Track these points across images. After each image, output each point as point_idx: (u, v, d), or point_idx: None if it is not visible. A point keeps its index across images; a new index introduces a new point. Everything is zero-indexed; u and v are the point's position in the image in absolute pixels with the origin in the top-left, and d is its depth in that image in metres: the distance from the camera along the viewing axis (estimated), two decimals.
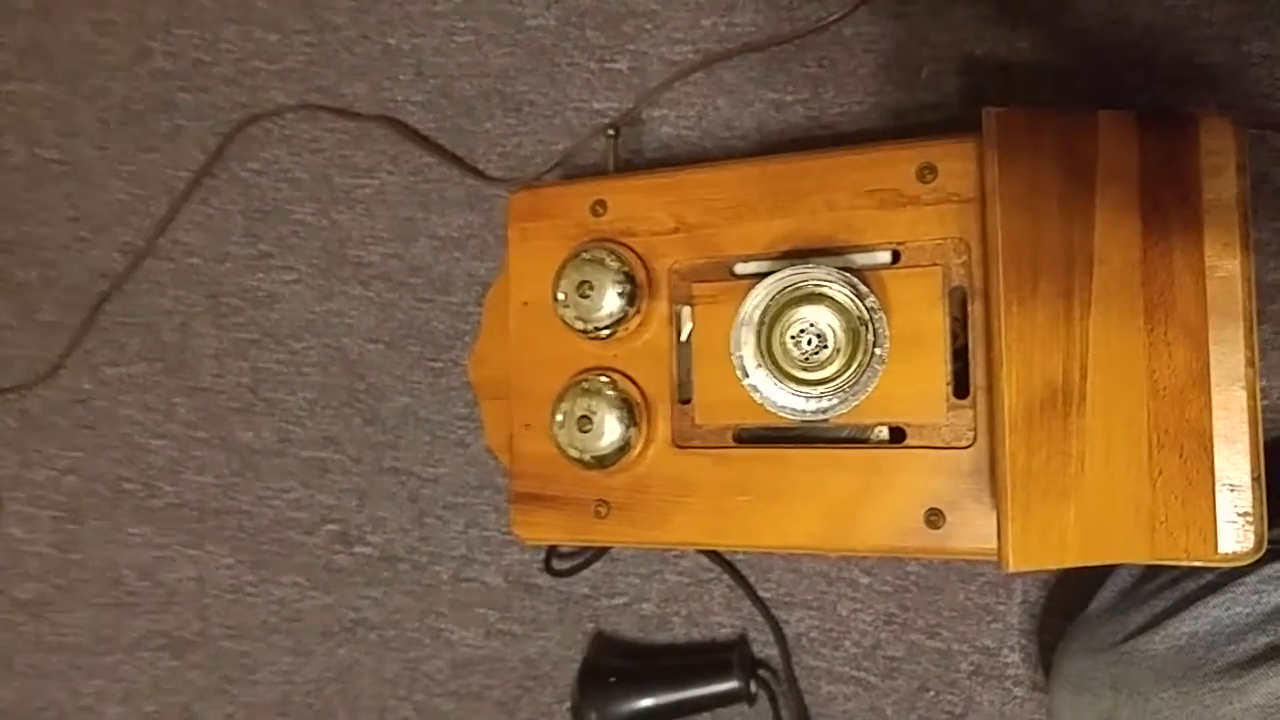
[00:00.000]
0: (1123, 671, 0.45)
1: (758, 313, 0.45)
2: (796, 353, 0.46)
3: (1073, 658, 0.49)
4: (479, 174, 0.66)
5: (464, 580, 0.68)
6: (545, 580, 0.65)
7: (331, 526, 0.71)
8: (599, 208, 0.54)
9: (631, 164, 0.62)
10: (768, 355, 0.45)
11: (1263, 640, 0.42)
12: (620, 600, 0.64)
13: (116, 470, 0.77)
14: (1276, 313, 0.52)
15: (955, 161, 0.47)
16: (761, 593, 0.61)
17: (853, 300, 0.44)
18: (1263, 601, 0.43)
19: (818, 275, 0.44)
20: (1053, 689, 0.50)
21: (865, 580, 0.59)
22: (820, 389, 0.45)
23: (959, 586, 0.58)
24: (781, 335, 0.46)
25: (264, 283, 0.72)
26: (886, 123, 0.57)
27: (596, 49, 0.63)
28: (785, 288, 0.45)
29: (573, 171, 0.64)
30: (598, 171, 0.59)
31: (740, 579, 0.61)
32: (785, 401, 0.46)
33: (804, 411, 0.46)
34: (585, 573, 0.64)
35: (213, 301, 0.74)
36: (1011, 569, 0.41)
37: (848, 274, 0.45)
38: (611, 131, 0.57)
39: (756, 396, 0.47)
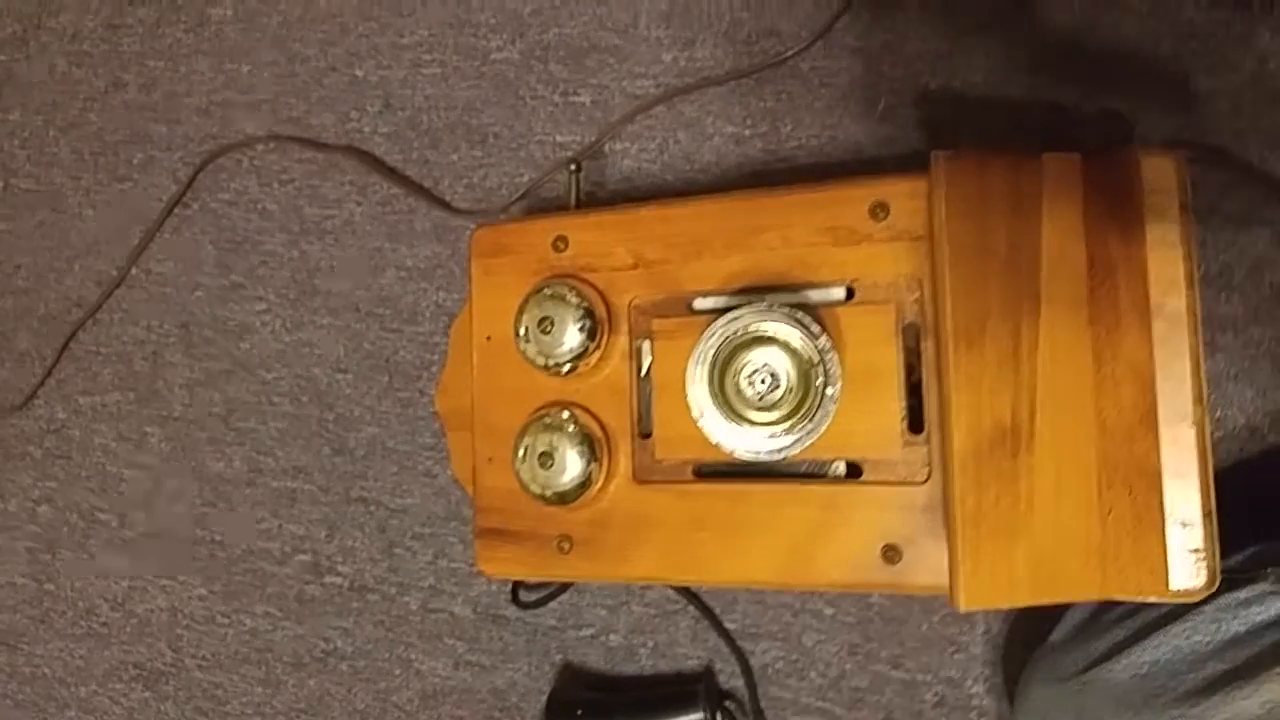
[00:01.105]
0: (1085, 700, 0.45)
1: (710, 354, 0.46)
2: (750, 393, 0.46)
3: (1036, 687, 0.49)
4: (445, 205, 0.66)
5: (432, 611, 0.68)
6: (513, 611, 0.65)
7: (302, 556, 0.71)
8: (560, 243, 0.54)
9: (594, 196, 0.63)
10: (720, 396, 0.46)
11: (1221, 668, 0.42)
12: (587, 631, 0.64)
13: (90, 500, 0.77)
14: (1228, 344, 0.53)
15: (907, 200, 0.47)
16: (727, 624, 0.61)
17: (804, 342, 0.44)
18: (1221, 630, 0.43)
19: (769, 319, 0.44)
20: (1016, 718, 0.50)
21: (829, 611, 0.60)
22: (773, 429, 0.45)
23: (922, 617, 0.58)
24: (734, 377, 0.46)
25: (235, 313, 0.73)
26: (843, 156, 0.58)
27: (560, 82, 0.64)
28: (736, 331, 0.45)
29: (537, 203, 0.65)
30: (561, 204, 0.60)
31: (706, 611, 0.61)
32: (739, 442, 0.46)
33: (758, 452, 0.46)
34: (553, 604, 0.64)
35: (184, 331, 0.74)
36: (963, 609, 0.41)
37: (799, 314, 0.45)
38: (573, 167, 0.57)
39: (711, 438, 0.47)
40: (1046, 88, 0.55)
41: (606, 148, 0.63)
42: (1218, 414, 0.52)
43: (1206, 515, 0.43)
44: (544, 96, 0.64)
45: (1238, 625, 0.43)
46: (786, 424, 0.45)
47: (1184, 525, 0.43)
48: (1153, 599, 0.43)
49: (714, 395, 0.45)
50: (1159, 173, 0.44)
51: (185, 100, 0.74)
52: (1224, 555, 0.43)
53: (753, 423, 0.46)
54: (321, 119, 0.70)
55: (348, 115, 0.69)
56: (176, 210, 0.74)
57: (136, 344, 0.75)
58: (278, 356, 0.71)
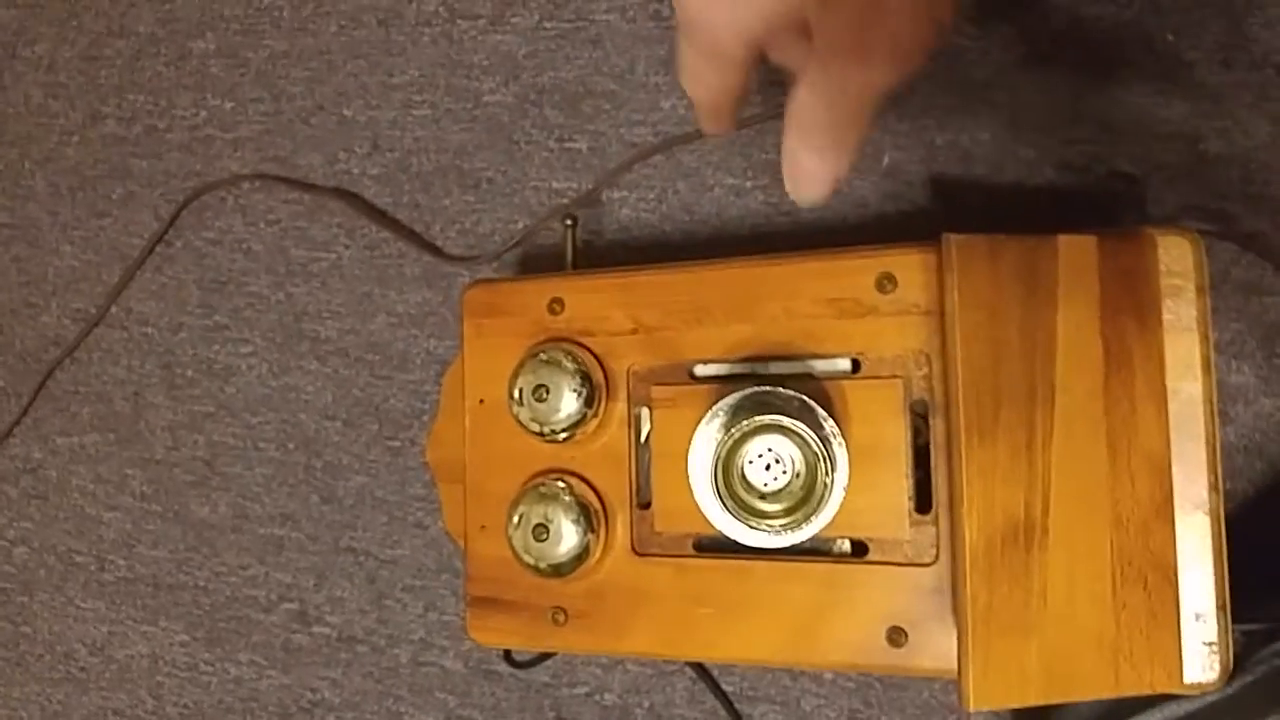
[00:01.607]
0: None
1: (712, 448, 0.44)
2: (757, 481, 0.45)
3: None
4: (437, 251, 0.65)
5: (423, 664, 0.67)
6: (505, 667, 0.64)
7: (289, 605, 0.70)
8: (556, 306, 0.53)
9: (591, 246, 0.61)
10: (725, 489, 0.44)
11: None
12: (582, 690, 0.63)
13: (67, 542, 0.75)
14: (1239, 415, 0.52)
15: (915, 272, 0.46)
16: (725, 686, 0.60)
17: (809, 432, 0.43)
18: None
19: (772, 410, 0.43)
20: None
21: (829, 676, 0.58)
22: (780, 520, 0.44)
23: (923, 685, 0.57)
24: (739, 465, 0.45)
25: (219, 355, 0.71)
26: (846, 211, 0.56)
27: (555, 128, 0.62)
28: (740, 422, 0.43)
29: (532, 251, 0.63)
30: (557, 252, 0.58)
31: (704, 673, 0.60)
32: (746, 535, 0.45)
33: (766, 545, 0.45)
34: (546, 661, 0.62)
35: (167, 372, 0.72)
36: (972, 709, 0.40)
37: (806, 400, 0.44)
38: (569, 221, 0.56)
39: (717, 527, 0.46)
40: (1055, 147, 0.54)
41: (604, 196, 0.61)
42: (1228, 486, 0.51)
43: (1221, 608, 0.42)
44: (539, 142, 0.62)
45: (1248, 679, 0.42)
46: (794, 515, 0.44)
47: (1198, 618, 0.42)
48: (1167, 693, 0.42)
49: (719, 488, 0.44)
50: (1175, 255, 0.43)
51: (166, 136, 0.72)
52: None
53: (759, 513, 0.44)
54: (309, 159, 0.68)
55: (335, 156, 0.67)
56: (158, 248, 0.72)
57: (116, 384, 0.73)
58: (264, 401, 0.70)
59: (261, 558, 0.70)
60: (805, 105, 0.30)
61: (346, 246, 0.67)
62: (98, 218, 0.74)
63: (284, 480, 0.69)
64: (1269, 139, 0.51)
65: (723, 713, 0.60)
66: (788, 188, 0.33)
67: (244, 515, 0.70)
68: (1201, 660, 0.42)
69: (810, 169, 0.32)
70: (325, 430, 0.68)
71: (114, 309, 0.73)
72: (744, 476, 0.45)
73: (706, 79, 0.32)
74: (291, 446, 0.69)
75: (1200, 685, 0.42)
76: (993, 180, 0.55)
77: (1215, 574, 0.42)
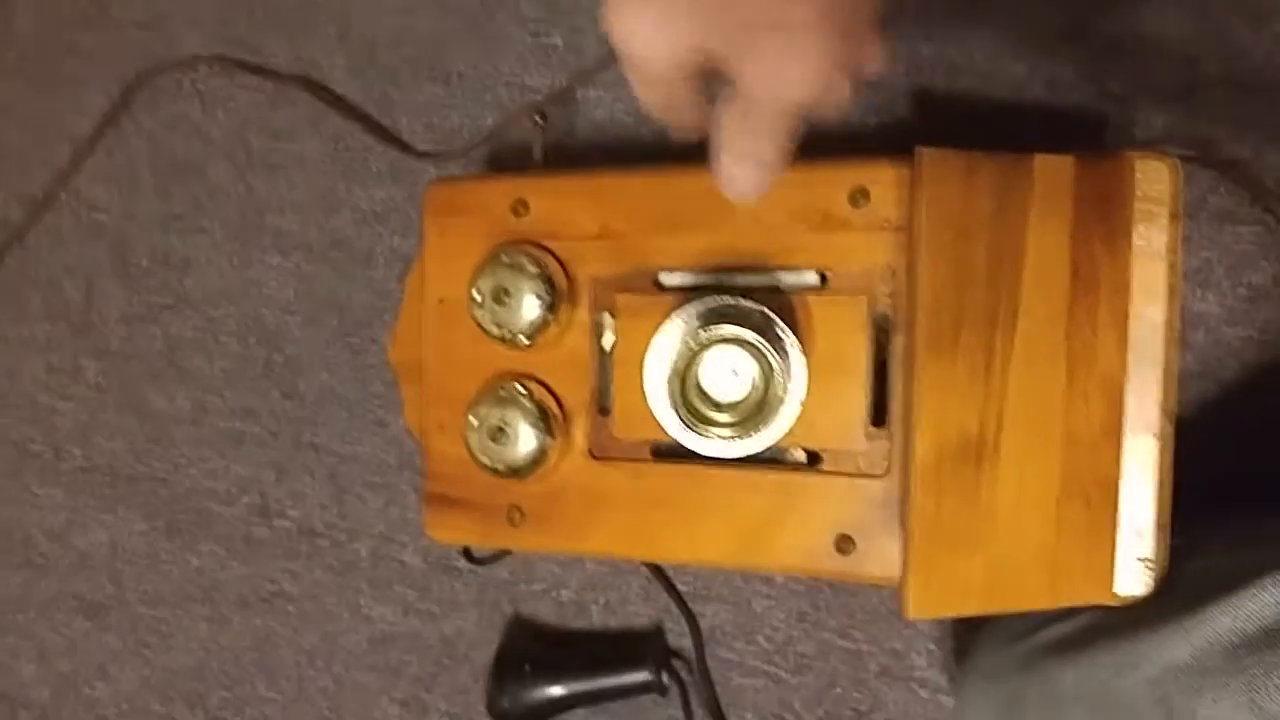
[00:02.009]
0: (1032, 656, 0.46)
1: (670, 358, 0.44)
2: (714, 392, 0.45)
3: (986, 649, 0.50)
4: (404, 146, 0.63)
5: (382, 558, 0.67)
6: (464, 563, 0.65)
7: (249, 498, 0.70)
8: (520, 207, 0.52)
9: (563, 146, 0.59)
10: (680, 398, 0.44)
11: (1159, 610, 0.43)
12: (539, 586, 0.64)
13: (22, 430, 0.74)
14: (1199, 342, 0.52)
15: (888, 187, 0.45)
16: (678, 585, 0.61)
17: (768, 346, 0.43)
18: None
19: (732, 322, 0.43)
20: (963, 681, 0.51)
21: (779, 579, 0.60)
22: (734, 430, 0.44)
23: (871, 591, 0.58)
24: (696, 372, 0.45)
25: (176, 245, 0.69)
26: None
27: (530, 22, 0.60)
28: (699, 333, 0.43)
29: (501, 149, 0.61)
30: (527, 151, 0.57)
31: (658, 572, 0.61)
32: (700, 444, 0.45)
33: (719, 454, 0.45)
34: (505, 558, 0.63)
35: (120, 261, 0.70)
36: (912, 617, 0.41)
37: (767, 313, 0.44)
38: (539, 119, 0.54)
39: (672, 435, 0.46)
40: (1047, 65, 0.53)
41: (578, 95, 0.60)
42: (1181, 412, 0.52)
43: (1160, 527, 0.43)
44: (513, 35, 0.60)
45: (1177, 583, 0.44)
46: (749, 424, 0.44)
47: (1138, 534, 0.43)
48: (1098, 604, 0.44)
49: (674, 396, 0.44)
50: (1152, 180, 0.42)
51: (119, 10, 0.68)
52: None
53: (714, 422, 0.44)
54: (271, 43, 0.65)
55: (300, 42, 0.65)
56: (109, 131, 0.69)
57: (68, 272, 0.72)
58: (224, 294, 0.68)
59: (222, 451, 0.70)
60: (724, 120, 0.33)
61: (310, 138, 0.66)
62: (45, 95, 0.71)
63: (244, 374, 0.69)
64: (1263, 62, 0.51)
65: (675, 610, 0.61)
66: (719, 186, 0.36)
67: (203, 408, 0.70)
68: (1135, 574, 0.43)
69: (736, 174, 0.35)
70: (286, 325, 0.67)
71: (63, 193, 0.71)
72: (700, 387, 0.45)
73: (650, 96, 0.34)
74: (252, 341, 0.68)
75: (1132, 597, 0.43)
76: (978, 96, 0.54)
77: (1158, 494, 0.43)
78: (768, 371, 0.44)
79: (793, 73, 0.31)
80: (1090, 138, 0.52)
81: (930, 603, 0.41)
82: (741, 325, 0.43)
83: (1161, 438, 0.43)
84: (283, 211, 0.66)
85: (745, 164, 0.35)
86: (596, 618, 0.64)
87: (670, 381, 0.44)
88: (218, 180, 0.67)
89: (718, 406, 0.45)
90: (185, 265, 0.69)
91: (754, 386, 0.45)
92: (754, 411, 0.44)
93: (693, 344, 0.43)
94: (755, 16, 0.30)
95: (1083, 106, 0.53)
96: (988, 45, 0.53)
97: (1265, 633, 0.38)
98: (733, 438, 0.44)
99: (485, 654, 0.65)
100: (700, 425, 0.44)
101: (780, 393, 0.43)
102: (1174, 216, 0.42)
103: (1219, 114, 0.51)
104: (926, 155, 0.41)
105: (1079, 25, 0.52)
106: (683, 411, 0.44)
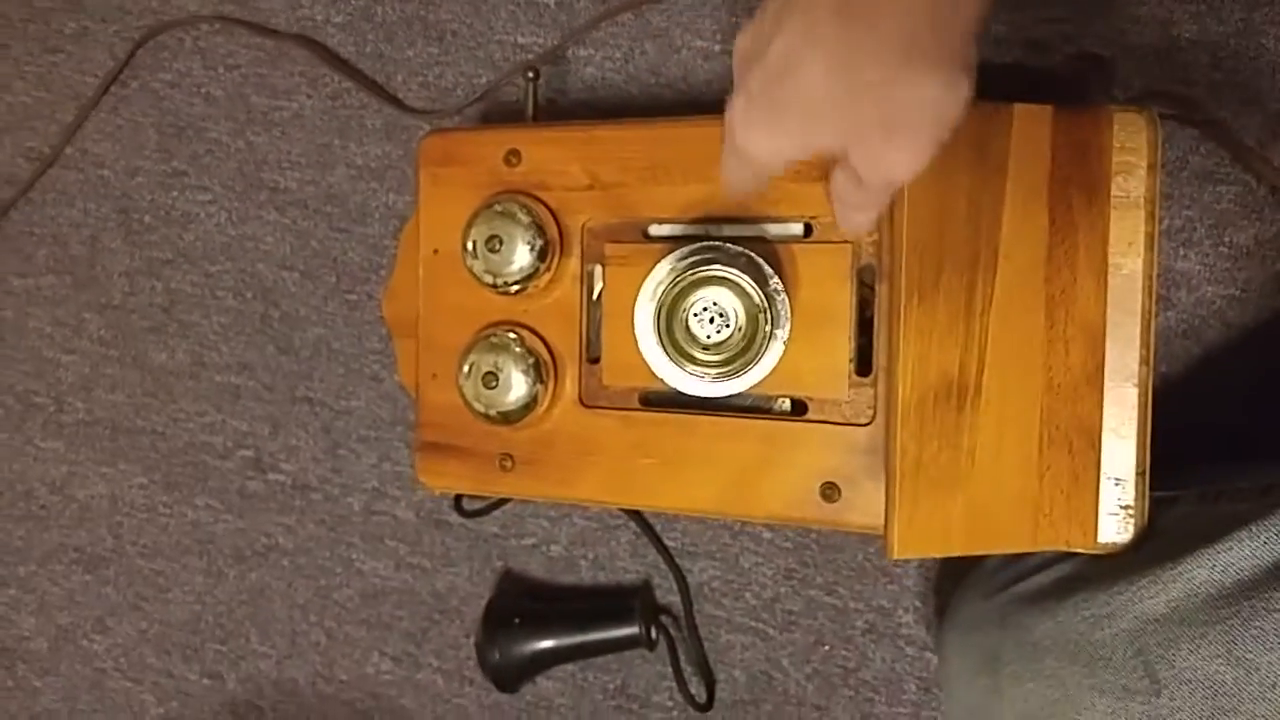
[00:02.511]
0: (1010, 609, 0.47)
1: (658, 293, 0.45)
2: (699, 332, 0.45)
3: (966, 603, 0.50)
4: (399, 104, 0.64)
5: (375, 513, 0.68)
6: (456, 518, 0.66)
7: (245, 452, 0.71)
8: (513, 158, 0.52)
9: (554, 104, 0.60)
10: (667, 335, 0.45)
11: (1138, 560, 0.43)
12: (529, 541, 0.65)
13: (26, 383, 0.75)
14: (1181, 300, 0.53)
15: None
16: (667, 541, 0.62)
17: (754, 285, 0.43)
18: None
19: (719, 261, 0.43)
20: (944, 635, 0.51)
21: (768, 535, 0.61)
22: (719, 370, 0.45)
23: (858, 547, 0.59)
24: (683, 314, 0.45)
25: (177, 201, 0.70)
26: None
27: None
28: (685, 273, 0.44)
29: (494, 107, 0.62)
30: (519, 109, 0.57)
31: (647, 528, 0.62)
32: (685, 382, 0.46)
33: (704, 393, 0.46)
34: (495, 513, 0.64)
35: (124, 217, 0.71)
36: (895, 557, 0.42)
37: (751, 256, 0.44)
38: (531, 74, 0.55)
39: (657, 374, 0.46)
40: (1026, 24, 0.53)
41: (569, 53, 0.60)
42: (1163, 369, 0.53)
43: (1140, 474, 0.44)
44: None
45: (1154, 534, 0.44)
46: (733, 365, 0.45)
47: (1117, 482, 0.44)
48: (1080, 551, 0.44)
49: (660, 334, 0.45)
50: (1130, 131, 0.43)
51: None
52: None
53: (699, 362, 0.45)
54: (271, 3, 0.66)
55: (299, 1, 0.65)
56: (113, 89, 0.70)
57: (73, 227, 0.72)
58: (222, 249, 0.69)
59: (219, 405, 0.71)
60: (839, 180, 0.37)
61: (308, 96, 0.66)
62: (50, 53, 0.71)
63: (241, 329, 0.70)
64: (1241, 25, 0.51)
65: (664, 566, 0.62)
66: (841, 227, 0.41)
67: (201, 363, 0.71)
68: (1117, 523, 0.44)
69: (851, 219, 0.40)
70: (283, 281, 0.68)
71: (69, 149, 0.72)
72: (687, 328, 0.46)
73: (744, 179, 0.39)
74: (249, 296, 0.69)
75: (1113, 544, 0.44)
76: None
77: (1138, 442, 0.43)
78: (753, 311, 0.44)
79: (899, 163, 0.34)
80: (1071, 97, 0.52)
81: (913, 542, 0.42)
82: (727, 265, 0.43)
83: (1140, 386, 0.43)
84: (280, 168, 0.67)
85: (858, 214, 0.39)
86: (586, 573, 0.64)
87: (657, 317, 0.45)
88: (218, 137, 0.68)
89: (704, 347, 0.46)
90: (186, 221, 0.70)
91: (740, 328, 0.45)
92: (740, 350, 0.45)
93: (680, 281, 0.44)
94: (871, 117, 0.33)
95: (1062, 67, 0.53)
96: None
97: (1242, 585, 0.39)
98: (719, 377, 0.45)
99: (476, 609, 0.66)
100: (686, 362, 0.45)
101: (765, 329, 0.44)
102: (1151, 168, 0.43)
103: (1196, 75, 0.52)
104: None
105: None
106: (669, 349, 0.45)
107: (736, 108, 0.37)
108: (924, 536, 0.42)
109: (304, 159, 0.66)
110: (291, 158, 0.67)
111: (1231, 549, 0.40)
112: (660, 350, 0.45)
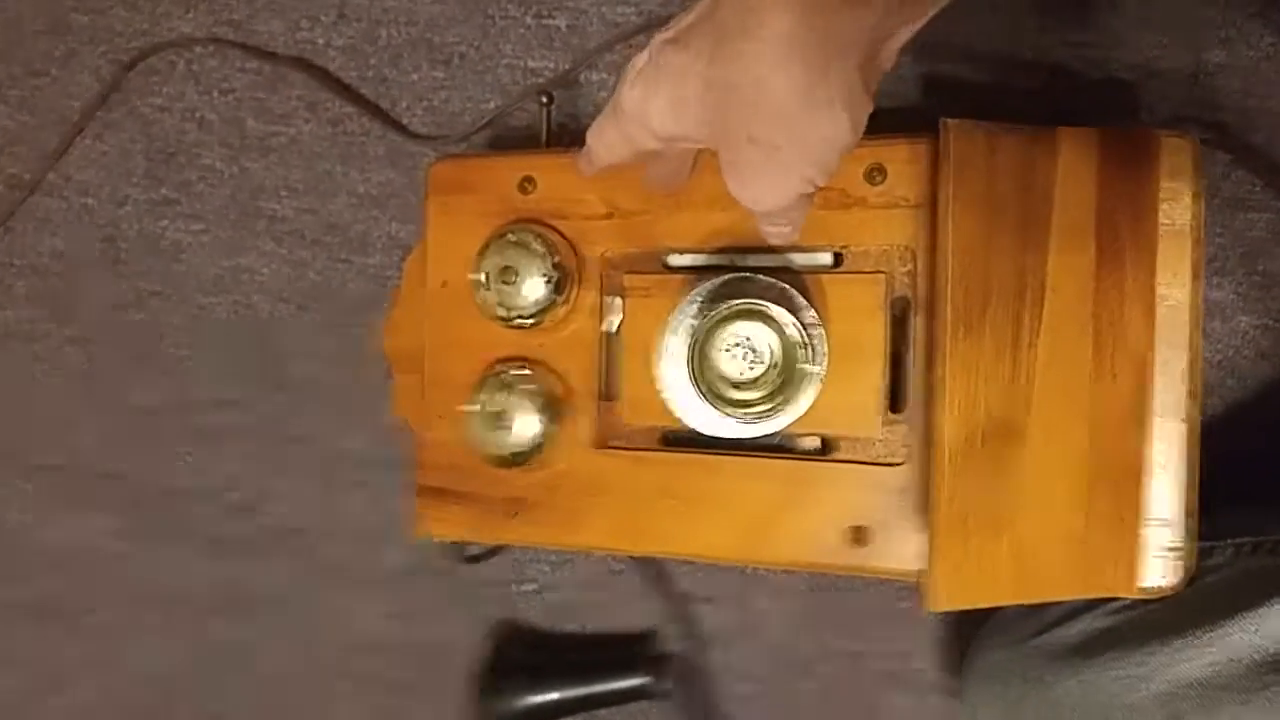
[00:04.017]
0: (1033, 663, 0.45)
1: (688, 329, 0.42)
2: (730, 370, 0.43)
3: (988, 650, 0.48)
4: (403, 129, 0.61)
5: (366, 559, 0.65)
6: (451, 564, 0.62)
7: (229, 495, 0.67)
8: (527, 185, 0.50)
9: (566, 129, 0.58)
10: (697, 373, 0.43)
11: (1167, 629, 0.41)
12: (529, 587, 0.62)
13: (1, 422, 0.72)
14: (1214, 330, 0.51)
15: (906, 165, 0.44)
16: (676, 585, 0.59)
17: (792, 318, 0.41)
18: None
19: (753, 293, 0.41)
20: (966, 683, 0.49)
21: (782, 578, 0.58)
22: (752, 411, 0.42)
23: (876, 590, 0.57)
24: (713, 351, 0.43)
25: (167, 230, 0.67)
26: None
27: (533, 3, 0.59)
28: (720, 302, 0.42)
29: (503, 133, 0.60)
30: (529, 136, 0.55)
31: (655, 572, 0.59)
32: (715, 425, 0.44)
33: (737, 435, 0.44)
34: (495, 558, 0.61)
35: (109, 246, 0.68)
36: (938, 609, 0.39)
37: (786, 288, 0.42)
38: (545, 98, 0.53)
39: (683, 417, 0.44)
40: (1054, 49, 0.52)
41: (581, 77, 0.58)
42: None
43: (1189, 514, 0.42)
44: (515, 17, 0.59)
45: (1188, 592, 0.42)
46: (768, 405, 0.43)
47: (1164, 523, 0.42)
48: (1125, 596, 0.42)
49: (693, 373, 0.42)
50: (1176, 157, 0.41)
51: None
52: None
53: (733, 402, 0.43)
54: (268, 24, 0.64)
55: (298, 23, 0.63)
56: (100, 113, 0.67)
57: (54, 257, 0.69)
58: (214, 281, 0.66)
59: (205, 445, 0.67)
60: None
61: (307, 121, 0.64)
62: (34, 76, 0.69)
63: (231, 365, 0.66)
64: (1271, 50, 0.50)
65: (672, 611, 0.59)
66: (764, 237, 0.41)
67: (186, 401, 0.68)
68: (1163, 565, 0.42)
69: (768, 231, 0.40)
70: (278, 313, 0.65)
71: (52, 176, 0.69)
72: (718, 366, 0.43)
73: (616, 149, 0.39)
74: (242, 330, 0.66)
75: (1159, 589, 0.41)
76: (987, 81, 0.53)
77: (1186, 481, 0.41)
78: (789, 346, 0.42)
79: (761, 193, 0.35)
80: (1097, 122, 0.52)
81: (958, 592, 0.40)
82: (760, 298, 0.41)
83: (1189, 422, 0.42)
84: (277, 196, 0.65)
85: (769, 227, 0.40)
86: (589, 620, 0.61)
87: (689, 357, 0.42)
88: (211, 164, 0.66)
89: (736, 386, 0.43)
90: (175, 251, 0.67)
91: (773, 365, 0.43)
92: (777, 388, 0.43)
93: (714, 315, 0.42)
94: (741, 133, 0.33)
95: (1089, 92, 0.52)
96: (997, 32, 0.53)
97: None
98: (755, 417, 0.43)
99: (473, 659, 0.63)
100: (718, 402, 0.43)
101: (805, 365, 0.41)
102: (1196, 196, 0.42)
103: (1226, 101, 0.51)
104: (953, 126, 0.40)
105: (1083, 9, 0.51)
106: (702, 388, 0.42)
107: (634, 63, 0.36)
108: (969, 586, 0.40)
109: (302, 186, 0.64)
110: (289, 185, 0.64)
111: (1278, 613, 0.38)
112: (694, 390, 0.43)
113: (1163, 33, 0.51)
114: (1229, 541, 0.43)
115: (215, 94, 0.65)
